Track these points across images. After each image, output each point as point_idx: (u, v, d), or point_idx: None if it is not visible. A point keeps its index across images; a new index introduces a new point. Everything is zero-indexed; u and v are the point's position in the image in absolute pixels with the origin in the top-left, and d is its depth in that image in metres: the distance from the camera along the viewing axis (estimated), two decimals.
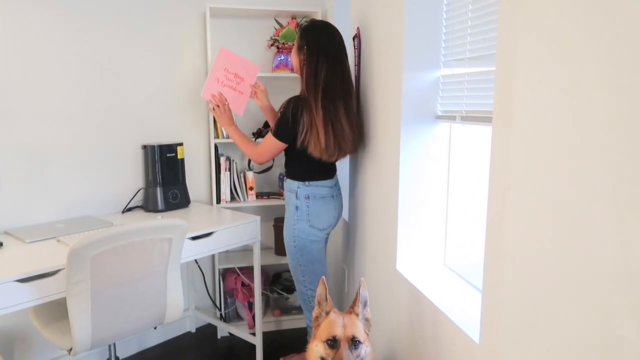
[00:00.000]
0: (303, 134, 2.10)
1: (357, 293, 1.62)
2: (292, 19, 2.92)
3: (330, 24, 2.23)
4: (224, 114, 2.39)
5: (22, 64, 2.28)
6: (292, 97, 2.16)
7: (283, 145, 2.20)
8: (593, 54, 0.86)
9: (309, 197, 2.21)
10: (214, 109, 2.42)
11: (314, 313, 1.66)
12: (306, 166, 2.20)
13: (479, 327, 1.31)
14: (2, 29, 2.21)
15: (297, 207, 2.23)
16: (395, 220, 1.92)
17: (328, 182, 2.26)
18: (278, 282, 3.13)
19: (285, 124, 2.13)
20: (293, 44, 2.73)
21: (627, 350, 0.80)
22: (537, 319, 1.04)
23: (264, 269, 3.09)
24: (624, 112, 0.80)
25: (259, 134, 2.84)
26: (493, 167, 1.22)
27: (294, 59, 2.25)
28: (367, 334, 1.60)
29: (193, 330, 3.07)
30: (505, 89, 1.15)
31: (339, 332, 1.51)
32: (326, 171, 2.27)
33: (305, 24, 2.26)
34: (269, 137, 2.20)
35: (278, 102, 3.06)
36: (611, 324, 0.84)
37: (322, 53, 2.12)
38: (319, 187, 2.23)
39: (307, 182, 2.22)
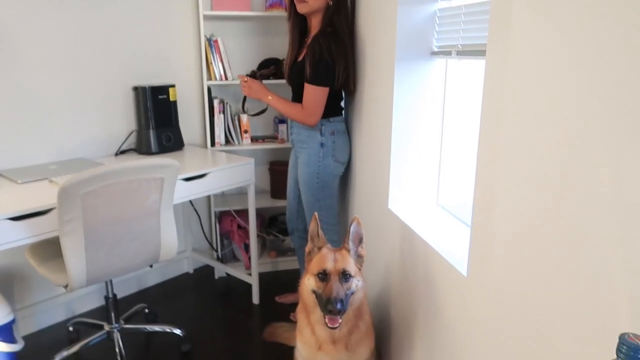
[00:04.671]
0: (342, 71, 2.11)
1: (348, 229, 1.63)
2: None
3: None
4: (254, 85, 2.32)
5: (15, 9, 2.19)
6: (320, 36, 2.10)
7: (327, 90, 2.14)
8: None
9: (334, 133, 2.25)
10: (242, 87, 2.36)
11: (307, 248, 1.67)
12: (326, 104, 2.19)
13: (466, 261, 1.32)
14: None
15: (322, 144, 2.24)
16: (388, 158, 1.90)
17: (342, 117, 2.32)
18: (274, 225, 3.16)
19: (326, 67, 2.08)
20: None
21: (616, 284, 0.81)
22: (522, 252, 1.04)
23: (260, 212, 3.11)
24: (620, 41, 0.76)
25: (253, 75, 2.77)
26: (485, 102, 1.18)
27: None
28: (359, 269, 1.63)
29: (191, 271, 3.13)
30: (500, 19, 1.10)
31: (329, 266, 1.53)
32: (340, 107, 2.32)
33: None
34: (312, 89, 2.11)
35: (274, 44, 3.00)
36: (599, 253, 0.83)
37: None
38: (339, 123, 2.28)
39: (329, 119, 2.24)
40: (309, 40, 2.17)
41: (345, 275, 1.52)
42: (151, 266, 2.10)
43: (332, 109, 2.24)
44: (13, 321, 1.85)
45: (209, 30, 2.86)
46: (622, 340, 0.63)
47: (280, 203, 2.99)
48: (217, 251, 3.03)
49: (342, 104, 2.38)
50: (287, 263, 3.11)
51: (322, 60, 2.07)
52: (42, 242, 2.08)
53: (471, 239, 1.27)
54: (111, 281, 2.18)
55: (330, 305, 1.45)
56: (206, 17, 2.79)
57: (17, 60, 2.25)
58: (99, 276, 1.89)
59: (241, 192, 3.11)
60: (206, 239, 3.14)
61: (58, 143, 2.46)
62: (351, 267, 1.55)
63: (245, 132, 2.91)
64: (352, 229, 1.61)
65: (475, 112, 1.70)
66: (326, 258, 1.54)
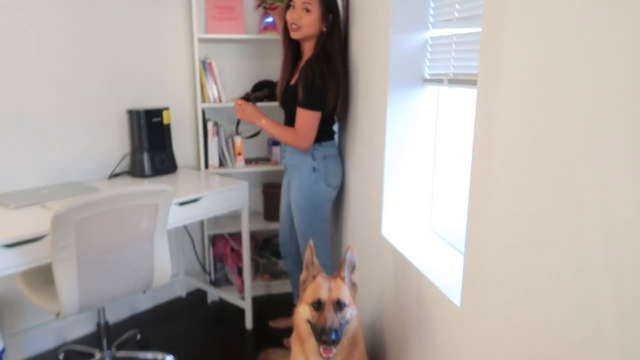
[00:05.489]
0: (334, 97, 2.15)
1: (343, 258, 1.63)
2: None
3: None
4: (247, 108, 2.33)
5: (6, 29, 2.20)
6: (313, 61, 2.12)
7: (319, 115, 2.15)
8: (581, 17, 0.84)
9: (325, 157, 2.26)
10: (236, 110, 2.37)
11: (302, 277, 1.67)
12: (318, 128, 2.20)
13: (460, 291, 1.32)
14: None
15: (314, 169, 2.25)
16: (381, 185, 1.91)
17: (335, 142, 2.34)
18: (267, 247, 3.15)
19: (318, 91, 2.11)
20: (280, 5, 2.66)
21: (606, 311, 0.81)
22: (516, 283, 1.05)
23: (253, 235, 3.10)
24: (607, 73, 0.78)
25: (247, 98, 2.79)
26: (477, 131, 1.20)
27: (311, 21, 2.14)
28: (353, 298, 1.62)
29: (183, 295, 3.10)
30: (490, 50, 1.13)
31: (324, 295, 1.52)
32: (332, 131, 2.33)
33: None
34: (305, 114, 2.13)
35: (267, 66, 3.03)
36: (590, 285, 0.84)
37: (336, 15, 2.17)
38: (331, 147, 2.30)
39: (321, 143, 2.25)
40: (302, 65, 2.20)
41: (339, 305, 1.52)
42: (144, 292, 2.08)
43: (324, 134, 2.26)
44: (3, 350, 1.82)
45: (203, 53, 2.89)
46: None
47: (273, 225, 2.98)
48: (210, 275, 3.01)
49: (335, 128, 2.40)
50: (280, 286, 3.09)
51: (315, 85, 2.09)
52: (34, 268, 2.05)
53: (464, 270, 1.28)
54: (103, 308, 2.15)
55: (325, 336, 1.44)
56: (201, 40, 2.81)
57: (8, 82, 2.25)
58: (91, 303, 1.87)
59: (234, 215, 3.10)
60: (199, 262, 3.12)
61: (51, 166, 2.45)
62: (346, 296, 1.55)
63: (239, 154, 2.92)
64: (348, 257, 1.61)
65: (468, 138, 1.72)
66: (321, 287, 1.54)
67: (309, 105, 2.13)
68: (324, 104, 2.15)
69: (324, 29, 2.15)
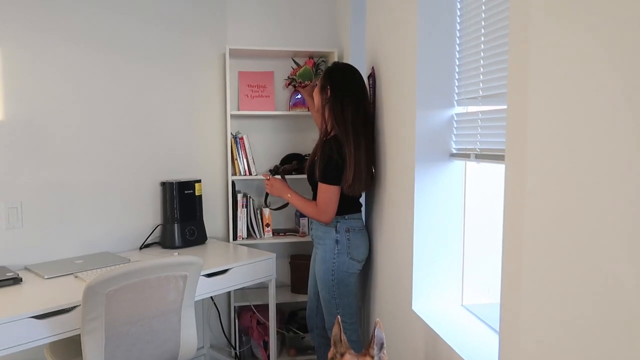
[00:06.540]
0: (349, 171, 2.18)
1: (372, 334, 1.58)
2: (310, 58, 2.99)
3: (352, 66, 2.31)
4: (275, 183, 2.42)
5: (42, 106, 2.37)
6: (329, 140, 2.20)
7: (339, 189, 2.20)
8: (602, 91, 0.86)
9: (349, 230, 2.26)
10: (265, 186, 2.46)
11: (330, 354, 1.62)
12: (342, 201, 2.23)
13: None
14: (24, 72, 2.31)
15: (337, 241, 2.25)
16: (410, 259, 1.89)
17: (360, 215, 2.34)
18: (294, 320, 3.09)
19: (335, 166, 2.16)
20: (309, 83, 2.79)
21: None
22: None
23: (279, 307, 3.06)
24: (634, 144, 0.79)
25: (276, 170, 2.87)
26: (507, 206, 1.20)
27: (316, 97, 2.35)
28: None
29: None
30: (516, 127, 1.15)
31: None
32: (358, 204, 2.34)
33: (330, 66, 2.36)
34: (324, 188, 2.19)
35: (296, 140, 3.13)
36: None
37: (345, 93, 2.20)
38: (355, 220, 2.30)
39: (345, 216, 2.27)
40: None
41: None
42: None
43: (348, 206, 2.27)
44: None
45: (235, 128, 3.01)
46: None
47: (300, 298, 2.94)
48: (235, 349, 2.95)
49: (361, 200, 2.41)
50: None
51: (332, 160, 2.15)
52: (62, 340, 2.06)
53: (500, 350, 1.23)
54: None
55: None
56: (233, 116, 2.95)
57: (47, 156, 2.38)
58: None
59: (261, 286, 3.08)
60: (225, 335, 3.07)
61: (84, 237, 2.52)
62: None
63: (267, 225, 2.95)
64: (377, 334, 1.57)
65: (497, 211, 1.71)
66: None
67: (326, 180, 2.18)
68: (341, 178, 2.18)
69: (324, 103, 2.24)
